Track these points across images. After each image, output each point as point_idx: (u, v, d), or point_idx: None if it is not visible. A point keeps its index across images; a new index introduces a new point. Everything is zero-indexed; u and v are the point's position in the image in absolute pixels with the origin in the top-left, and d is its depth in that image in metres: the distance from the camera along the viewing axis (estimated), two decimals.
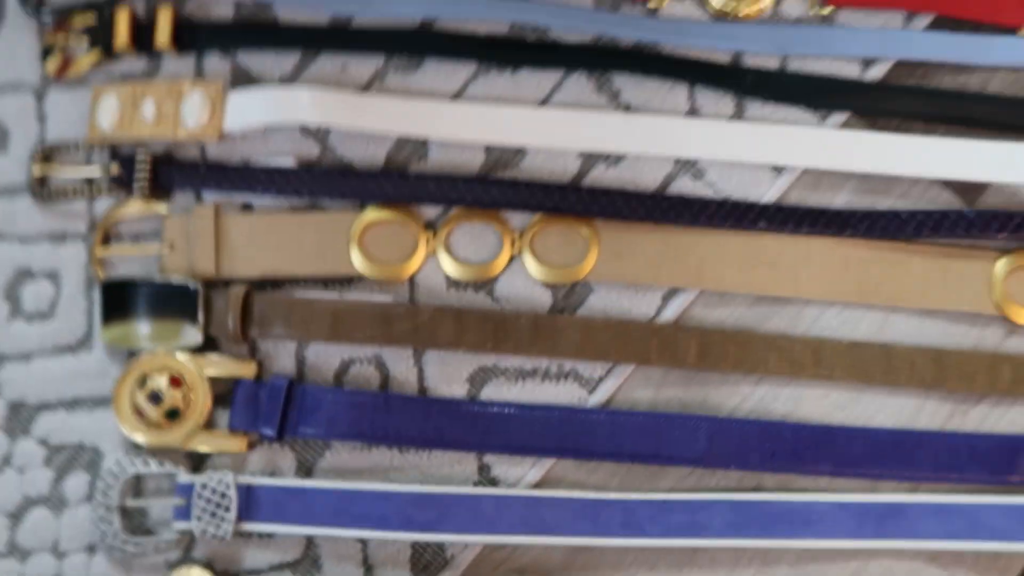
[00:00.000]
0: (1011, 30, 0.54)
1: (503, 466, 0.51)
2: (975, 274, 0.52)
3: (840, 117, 0.54)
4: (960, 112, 0.54)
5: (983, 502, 0.50)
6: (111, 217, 0.52)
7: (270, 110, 0.52)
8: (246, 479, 0.48)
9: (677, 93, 0.54)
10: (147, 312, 0.50)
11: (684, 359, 0.51)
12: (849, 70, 0.55)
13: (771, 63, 0.55)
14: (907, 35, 0.55)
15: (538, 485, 0.51)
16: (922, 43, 0.55)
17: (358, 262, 0.51)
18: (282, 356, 0.52)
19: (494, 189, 0.52)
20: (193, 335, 0.50)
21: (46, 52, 0.54)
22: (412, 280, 0.52)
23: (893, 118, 0.54)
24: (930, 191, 0.54)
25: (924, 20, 0.55)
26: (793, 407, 0.52)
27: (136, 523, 0.49)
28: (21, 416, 0.51)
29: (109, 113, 0.52)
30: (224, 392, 0.50)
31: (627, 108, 0.54)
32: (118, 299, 0.51)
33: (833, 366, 0.52)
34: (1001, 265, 0.52)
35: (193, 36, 0.54)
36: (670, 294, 0.52)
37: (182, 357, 0.50)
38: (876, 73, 0.55)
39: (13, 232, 0.52)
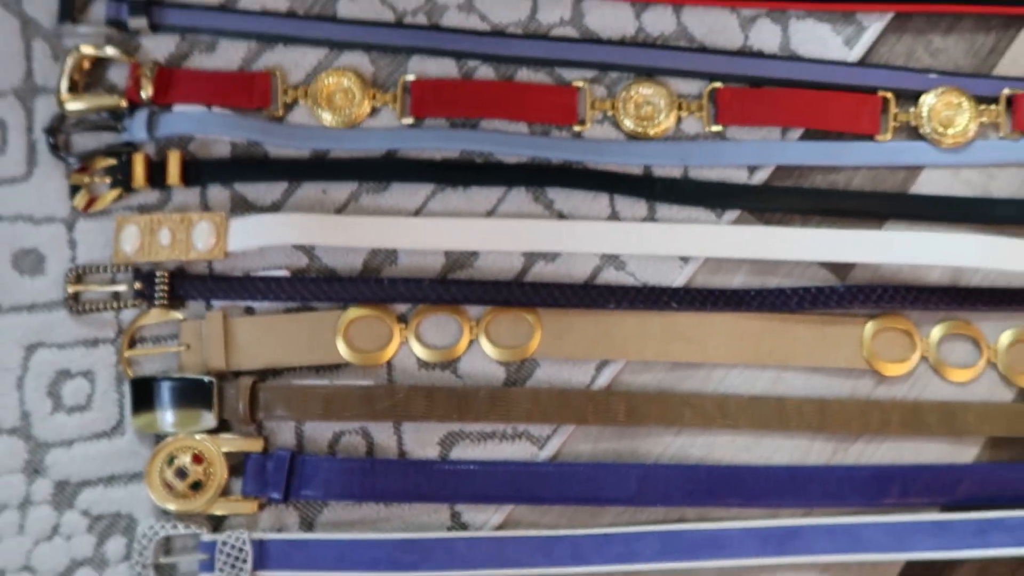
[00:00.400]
0: (868, 137, 0.66)
1: (471, 513, 0.60)
2: (848, 336, 0.63)
3: (733, 214, 0.64)
4: (830, 205, 0.65)
5: (863, 521, 0.60)
6: (136, 324, 0.61)
7: (265, 234, 0.60)
8: (259, 535, 0.57)
9: (600, 201, 0.64)
10: (170, 402, 0.59)
11: (615, 418, 0.61)
12: (738, 175, 0.65)
13: (675, 172, 0.65)
14: (784, 145, 0.65)
15: (501, 527, 0.60)
16: (796, 151, 0.65)
17: (344, 352, 0.61)
18: (284, 432, 0.61)
19: (453, 287, 0.61)
20: (209, 420, 0.59)
21: (74, 190, 0.62)
22: (389, 364, 0.62)
23: (776, 213, 0.65)
24: (809, 270, 0.64)
25: (797, 132, 0.65)
26: (707, 452, 0.62)
27: None
28: (66, 492, 0.59)
29: (131, 239, 0.61)
30: (237, 464, 0.59)
31: (560, 215, 0.64)
32: (145, 393, 0.59)
33: (737, 417, 0.61)
34: (869, 328, 0.63)
35: (198, 172, 0.62)
36: (602, 365, 0.62)
37: (201, 437, 0.58)
38: (760, 177, 0.65)
39: (53, 340, 0.61)
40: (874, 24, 0.67)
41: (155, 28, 0.64)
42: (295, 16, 0.65)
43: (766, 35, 0.66)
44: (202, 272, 0.62)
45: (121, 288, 0.62)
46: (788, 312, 0.63)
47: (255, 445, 0.59)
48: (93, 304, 0.61)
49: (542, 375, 0.62)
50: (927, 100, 0.65)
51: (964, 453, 0.63)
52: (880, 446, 0.63)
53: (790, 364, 0.63)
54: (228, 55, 0.65)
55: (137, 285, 0.61)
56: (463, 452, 0.61)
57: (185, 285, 0.61)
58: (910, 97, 0.66)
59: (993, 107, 0.65)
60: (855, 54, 0.66)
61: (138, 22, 0.64)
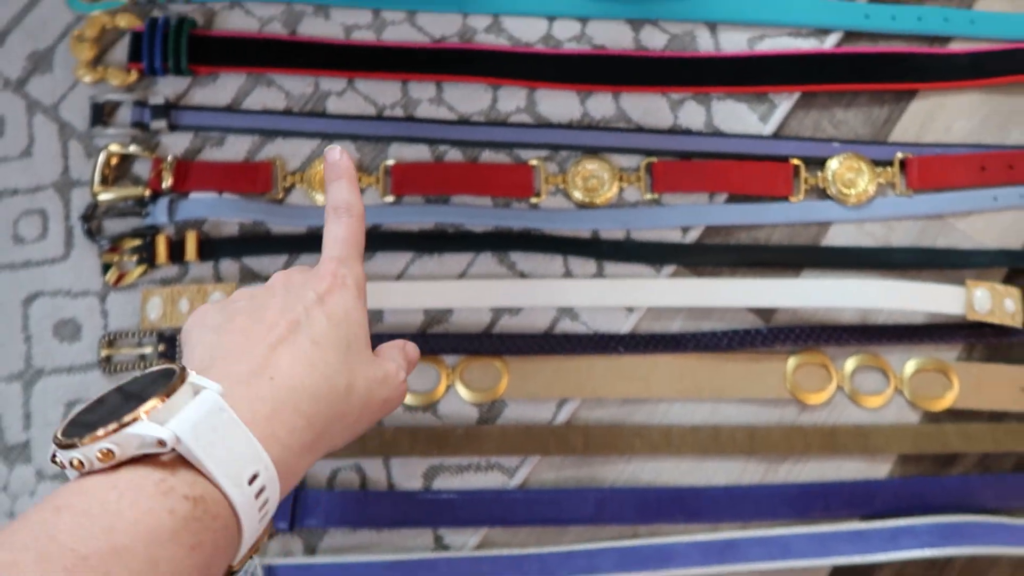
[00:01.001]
0: (783, 199, 0.75)
1: (452, 536, 0.68)
2: (773, 371, 0.72)
3: (670, 268, 0.73)
4: (754, 258, 0.73)
5: (792, 532, 0.67)
6: None
7: None
8: (268, 561, 0.66)
9: (555, 261, 0.73)
10: None
11: (574, 449, 0.69)
12: (674, 235, 0.74)
13: (619, 235, 0.74)
14: (711, 208, 0.74)
15: (478, 548, 0.68)
16: (722, 213, 0.74)
17: None
18: None
19: (431, 340, 0.71)
20: None
21: (106, 267, 0.71)
22: None
23: (707, 266, 0.73)
24: (738, 315, 0.73)
25: (723, 197, 0.75)
26: (655, 476, 0.70)
27: None
28: None
29: (155, 309, 0.70)
30: None
31: (521, 275, 0.73)
32: None
33: (680, 445, 0.70)
34: (791, 363, 0.72)
35: (212, 248, 0.72)
36: (562, 403, 0.71)
37: None
38: (693, 236, 0.74)
39: (89, 398, 0.70)
40: (784, 102, 0.77)
41: (173, 128, 0.75)
42: (291, 113, 0.76)
43: (693, 115, 0.76)
44: None
45: (147, 351, 0.71)
46: (720, 352, 0.72)
47: None
48: (123, 365, 0.70)
49: (510, 413, 0.71)
50: (832, 165, 0.75)
51: (878, 470, 0.71)
52: (805, 466, 0.71)
53: (724, 397, 0.72)
54: (235, 148, 0.75)
55: (161, 347, 0.70)
56: (444, 483, 0.70)
57: None
58: (818, 163, 0.75)
59: (889, 169, 0.76)
60: (769, 128, 0.76)
61: (159, 124, 0.74)
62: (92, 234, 0.73)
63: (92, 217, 0.73)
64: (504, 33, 0.78)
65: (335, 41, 0.77)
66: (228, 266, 0.73)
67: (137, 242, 0.72)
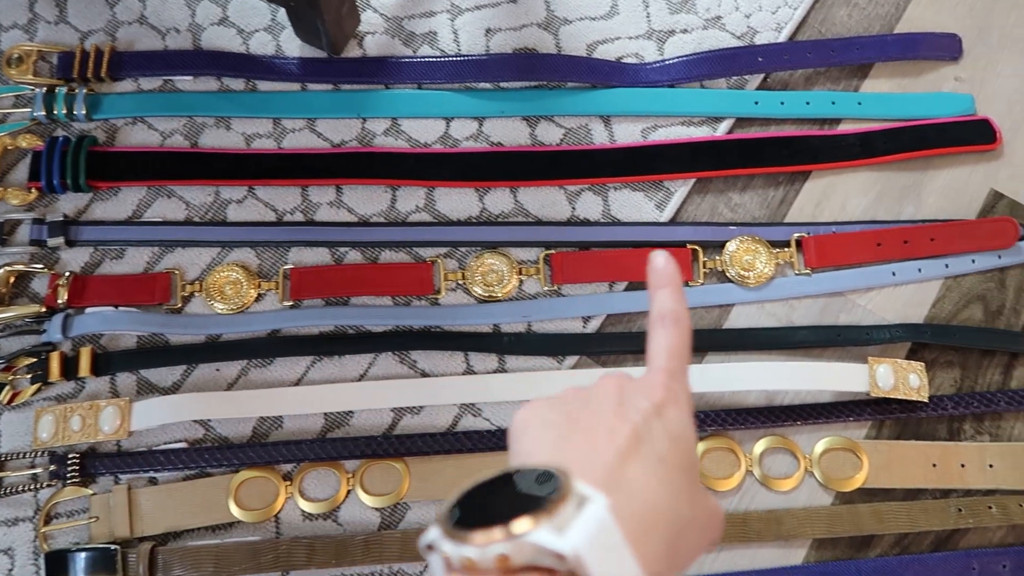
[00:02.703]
0: (684, 283, 0.75)
1: None
2: None
3: (573, 359, 0.73)
4: None
5: None
6: (51, 502, 0.67)
7: (163, 414, 0.68)
8: None
9: (456, 358, 0.73)
10: (81, 571, 0.65)
11: None
12: (575, 326, 0.74)
13: (520, 328, 0.73)
14: (611, 296, 0.74)
15: None
16: (622, 301, 0.74)
17: (235, 511, 0.68)
18: None
19: (330, 446, 0.69)
20: None
21: (0, 386, 0.71)
22: (277, 518, 0.68)
23: (610, 355, 0.73)
24: None
25: (622, 286, 0.75)
26: None
27: None
28: None
29: (47, 427, 0.68)
30: None
31: (423, 373, 0.72)
32: (58, 564, 0.65)
33: None
34: (698, 449, 0.71)
35: (107, 363, 0.71)
36: None
37: None
38: (594, 325, 0.74)
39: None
40: (680, 188, 0.78)
41: (71, 243, 0.74)
42: (192, 223, 0.76)
43: (590, 205, 0.77)
44: (111, 450, 0.70)
45: (39, 471, 0.69)
46: None
47: None
48: (14, 487, 0.68)
49: (413, 516, 0.69)
50: (730, 248, 0.75)
51: (794, 555, 0.69)
52: (719, 555, 0.69)
53: None
54: (135, 260, 0.75)
55: (52, 467, 0.69)
56: None
57: (95, 463, 0.69)
58: (716, 247, 0.76)
59: (786, 249, 0.76)
60: (666, 215, 0.77)
61: (56, 240, 0.74)
62: None
63: None
64: (403, 135, 0.79)
65: (235, 151, 0.78)
66: (125, 379, 0.72)
67: (31, 360, 0.71)
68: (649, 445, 0.38)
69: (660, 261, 0.46)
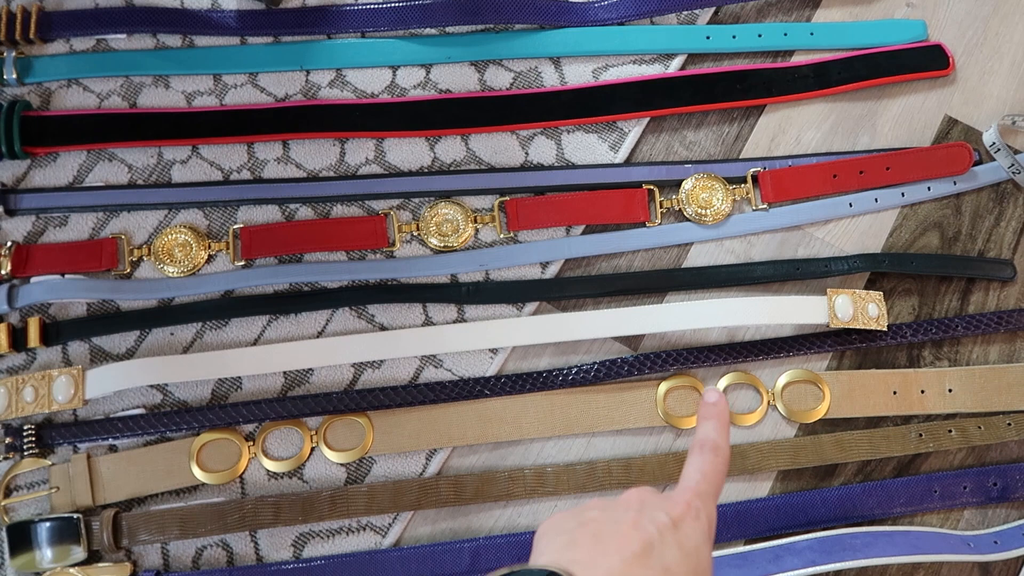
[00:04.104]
0: (641, 224, 0.77)
1: None
2: (644, 399, 0.72)
3: (532, 306, 0.74)
4: (616, 287, 0.74)
5: None
6: (8, 475, 0.68)
7: (119, 380, 0.69)
8: None
9: (414, 310, 0.74)
10: (43, 541, 0.66)
11: (446, 500, 0.69)
12: (533, 272, 0.75)
13: (478, 276, 0.74)
14: (569, 241, 0.75)
15: None
16: (580, 245, 0.75)
17: (198, 473, 0.69)
18: (151, 554, 0.68)
19: (291, 404, 0.70)
20: (79, 553, 0.66)
21: None
22: (242, 479, 0.70)
23: (570, 299, 0.74)
24: (606, 344, 0.74)
25: (580, 228, 0.76)
26: (532, 519, 0.70)
27: None
28: None
29: None
30: None
31: (381, 327, 0.73)
32: (20, 536, 0.66)
33: (555, 484, 0.69)
34: (661, 389, 0.72)
35: (57, 332, 0.71)
36: (431, 454, 0.71)
37: (74, 570, 0.66)
38: (552, 270, 0.75)
39: None
40: (633, 129, 0.79)
41: (11, 212, 0.74)
42: (136, 186, 0.76)
43: (543, 150, 0.78)
44: (67, 419, 0.71)
45: None
46: (589, 385, 0.72)
47: (123, 570, 0.67)
48: None
49: (379, 470, 0.71)
50: (686, 186, 0.77)
51: (759, 488, 0.72)
52: None
53: (597, 430, 0.72)
54: (79, 227, 0.75)
55: (7, 440, 0.69)
56: (315, 550, 0.69)
57: (52, 433, 0.69)
58: (672, 186, 0.77)
59: (743, 185, 0.78)
60: (620, 156, 0.78)
61: None
62: None
63: None
64: (348, 86, 0.79)
65: (177, 109, 0.78)
66: (77, 348, 0.73)
67: None
68: (658, 556, 0.41)
69: (713, 396, 0.51)
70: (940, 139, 0.81)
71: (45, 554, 0.67)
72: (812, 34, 0.82)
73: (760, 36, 0.82)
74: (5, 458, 0.69)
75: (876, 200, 0.78)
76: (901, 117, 0.81)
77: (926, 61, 0.81)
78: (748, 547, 0.69)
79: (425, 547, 0.69)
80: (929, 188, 0.79)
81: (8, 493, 0.69)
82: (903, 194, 0.79)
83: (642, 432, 0.73)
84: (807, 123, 0.80)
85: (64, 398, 0.69)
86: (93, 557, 0.68)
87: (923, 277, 0.77)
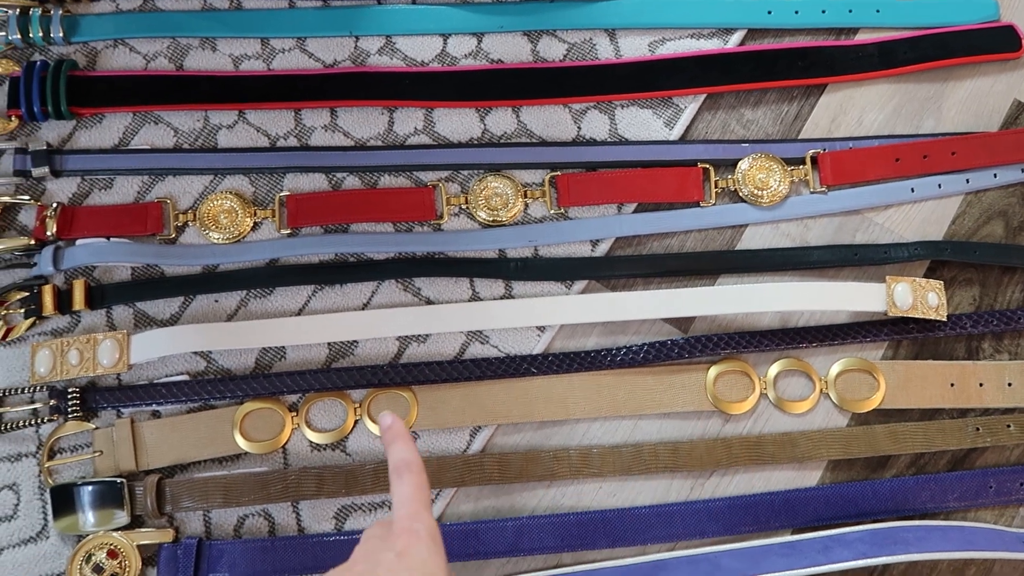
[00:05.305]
0: (695, 204, 0.77)
1: None
2: (694, 382, 0.73)
3: (581, 284, 0.74)
4: (667, 268, 0.75)
5: (720, 549, 0.68)
6: (53, 437, 0.70)
7: (163, 345, 0.70)
8: None
9: (461, 285, 0.74)
10: (86, 505, 0.68)
11: (490, 478, 0.70)
12: (583, 249, 0.75)
13: (527, 252, 0.75)
14: (620, 219, 0.76)
15: None
16: (632, 224, 0.76)
17: (240, 442, 0.70)
18: (194, 521, 0.70)
19: (335, 376, 0.71)
20: (122, 517, 0.67)
21: None
22: (284, 449, 0.71)
23: (620, 279, 0.75)
24: (655, 326, 0.74)
25: (632, 206, 0.76)
26: (577, 500, 0.71)
27: None
28: None
29: (44, 362, 0.70)
30: (152, 554, 0.68)
31: (427, 301, 0.74)
32: (64, 498, 0.68)
33: (601, 466, 0.70)
34: (711, 373, 0.73)
35: (102, 295, 0.72)
36: (475, 431, 0.72)
37: (117, 534, 0.67)
38: (603, 248, 0.75)
39: None
40: (690, 105, 0.79)
41: (57, 173, 0.75)
42: (181, 150, 0.77)
43: (596, 124, 0.78)
44: (111, 383, 0.72)
45: (39, 406, 0.71)
46: (638, 366, 0.73)
47: (166, 536, 0.68)
48: (14, 423, 0.71)
49: (422, 445, 0.72)
50: (742, 166, 0.77)
51: (808, 478, 0.72)
52: (733, 478, 0.72)
53: (644, 413, 0.72)
54: (124, 190, 0.76)
55: (52, 402, 0.71)
56: (357, 523, 0.70)
57: (96, 397, 0.71)
58: (728, 165, 0.77)
59: (801, 167, 0.77)
60: (676, 133, 0.78)
61: (41, 170, 0.75)
62: None
63: None
64: (398, 54, 0.79)
65: (223, 73, 0.78)
66: (121, 312, 0.74)
67: (24, 294, 0.73)
68: None
69: (387, 420, 0.58)
70: (1008, 125, 0.80)
71: (88, 517, 0.68)
72: (878, 11, 0.81)
73: (824, 12, 0.81)
74: (49, 419, 0.71)
75: (939, 186, 0.78)
76: (968, 100, 0.80)
77: (997, 42, 0.80)
78: (796, 536, 0.70)
79: (468, 524, 0.70)
80: (996, 175, 0.78)
81: (52, 455, 0.71)
82: (968, 180, 0.78)
83: (690, 416, 0.73)
84: (870, 104, 0.80)
85: (109, 362, 0.70)
86: (135, 522, 0.69)
87: (985, 267, 0.77)
